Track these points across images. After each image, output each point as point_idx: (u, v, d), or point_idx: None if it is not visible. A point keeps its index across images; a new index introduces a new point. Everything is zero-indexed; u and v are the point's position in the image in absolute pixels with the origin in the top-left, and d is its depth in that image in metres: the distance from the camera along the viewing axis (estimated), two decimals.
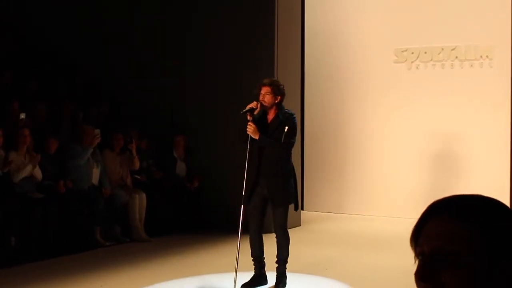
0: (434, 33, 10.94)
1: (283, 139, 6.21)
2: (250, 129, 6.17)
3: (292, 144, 6.33)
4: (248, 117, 6.20)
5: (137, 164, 9.23)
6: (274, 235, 6.45)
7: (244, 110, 6.25)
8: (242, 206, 6.27)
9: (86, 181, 8.60)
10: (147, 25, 10.57)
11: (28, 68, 10.22)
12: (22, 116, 8.66)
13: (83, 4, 11.08)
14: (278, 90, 6.29)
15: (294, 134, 6.34)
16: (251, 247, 6.43)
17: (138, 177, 9.41)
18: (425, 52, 11.03)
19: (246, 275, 6.45)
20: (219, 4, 10.10)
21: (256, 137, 6.18)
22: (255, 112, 6.24)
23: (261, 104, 6.25)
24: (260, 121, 6.26)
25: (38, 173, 8.04)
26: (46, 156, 8.27)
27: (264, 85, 6.28)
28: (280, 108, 6.32)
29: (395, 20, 11.20)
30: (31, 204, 7.73)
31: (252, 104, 6.25)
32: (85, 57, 10.92)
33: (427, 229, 1.20)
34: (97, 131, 8.61)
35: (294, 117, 6.38)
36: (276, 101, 6.28)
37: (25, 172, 7.87)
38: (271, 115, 6.32)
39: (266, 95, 6.25)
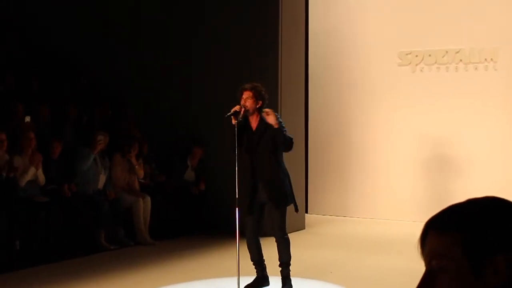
0: (438, 35, 10.92)
1: (283, 138, 6.19)
2: (273, 117, 6.13)
3: (292, 138, 6.32)
4: (233, 121, 6.19)
5: (140, 173, 9.21)
6: (273, 238, 6.42)
7: (228, 114, 6.22)
8: (237, 209, 6.24)
9: (91, 186, 8.60)
10: (151, 27, 10.58)
11: (31, 70, 10.22)
12: (27, 119, 8.65)
13: (86, 5, 11.09)
14: (259, 95, 6.28)
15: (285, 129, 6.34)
16: (249, 252, 6.42)
17: (142, 180, 9.41)
18: (430, 55, 11.02)
19: (250, 279, 6.46)
20: (222, 9, 10.09)
21: (277, 125, 6.15)
22: (240, 116, 6.23)
23: (244, 109, 6.25)
24: (243, 127, 6.27)
25: (41, 177, 8.05)
26: (49, 159, 8.27)
27: (245, 89, 6.28)
28: (261, 113, 6.30)
29: (399, 23, 11.18)
30: (35, 208, 7.74)
31: (236, 107, 6.22)
32: (89, 59, 10.92)
33: (427, 244, 1.27)
34: (101, 137, 8.59)
35: (278, 117, 6.36)
36: (257, 106, 6.28)
37: (29, 175, 7.87)
38: (254, 121, 6.31)
39: (247, 100, 6.24)
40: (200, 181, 9.86)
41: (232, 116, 6.18)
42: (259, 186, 6.28)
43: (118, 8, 10.87)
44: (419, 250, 1.29)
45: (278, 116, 6.40)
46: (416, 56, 11.10)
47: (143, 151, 9.51)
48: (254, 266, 6.47)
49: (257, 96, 6.26)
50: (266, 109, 6.23)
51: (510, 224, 1.21)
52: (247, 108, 6.23)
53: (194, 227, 9.56)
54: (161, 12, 10.55)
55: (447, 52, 10.90)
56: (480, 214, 1.24)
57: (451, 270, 1.21)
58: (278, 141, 6.22)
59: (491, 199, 1.27)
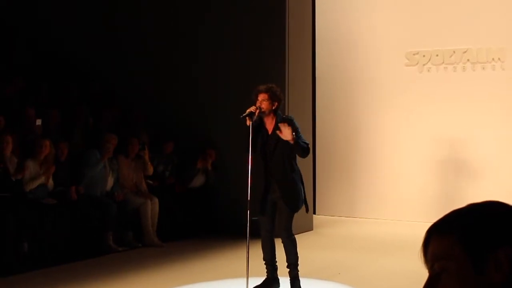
0: (445, 35, 10.90)
1: (301, 149, 6.17)
2: (288, 133, 6.08)
3: (308, 144, 6.30)
4: (248, 122, 6.14)
5: (150, 170, 9.23)
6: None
7: (243, 115, 6.16)
8: (248, 211, 6.20)
9: (99, 188, 8.61)
10: (160, 30, 10.59)
11: (40, 74, 10.25)
12: (38, 122, 8.67)
13: (95, 9, 11.11)
14: (275, 96, 6.24)
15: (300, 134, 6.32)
16: (263, 251, 6.42)
17: (151, 182, 9.41)
18: (437, 55, 10.99)
19: (259, 280, 6.45)
20: (229, 13, 10.09)
21: (292, 140, 6.12)
22: (254, 117, 6.17)
23: (259, 111, 6.21)
24: (257, 128, 6.24)
25: (50, 184, 8.07)
26: (57, 161, 8.28)
27: (261, 91, 6.23)
28: (277, 115, 6.28)
29: (406, 23, 11.17)
30: (43, 210, 7.75)
31: (252, 108, 6.17)
32: (98, 62, 10.93)
33: (429, 249, 1.29)
34: (109, 145, 8.61)
35: (294, 121, 6.31)
36: (273, 107, 6.24)
37: (38, 181, 7.88)
38: (269, 123, 6.27)
39: (263, 102, 6.19)
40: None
41: (247, 117, 6.14)
42: (272, 187, 6.26)
43: (125, 10, 10.89)
44: (422, 257, 1.30)
45: (293, 118, 6.34)
46: (424, 56, 11.08)
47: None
48: (265, 266, 6.45)
49: (272, 98, 6.21)
50: (280, 124, 6.13)
51: (509, 220, 1.23)
52: (263, 110, 6.19)
53: (202, 228, 9.56)
54: (168, 15, 10.56)
55: (454, 52, 10.88)
56: (479, 214, 1.26)
57: (453, 270, 1.22)
58: (296, 152, 6.22)
59: (491, 202, 1.29)
